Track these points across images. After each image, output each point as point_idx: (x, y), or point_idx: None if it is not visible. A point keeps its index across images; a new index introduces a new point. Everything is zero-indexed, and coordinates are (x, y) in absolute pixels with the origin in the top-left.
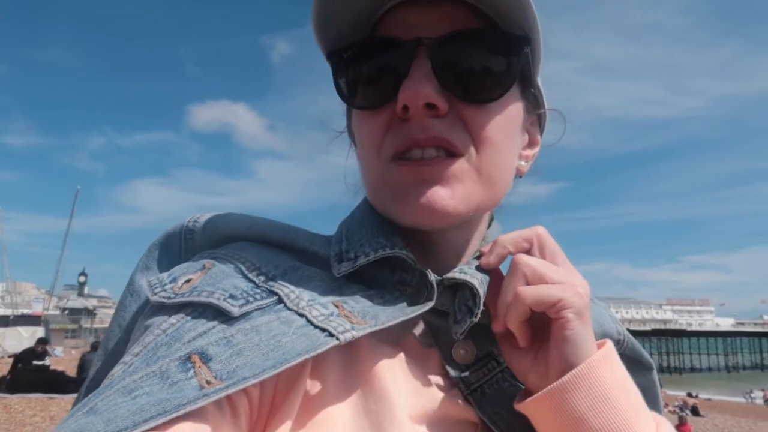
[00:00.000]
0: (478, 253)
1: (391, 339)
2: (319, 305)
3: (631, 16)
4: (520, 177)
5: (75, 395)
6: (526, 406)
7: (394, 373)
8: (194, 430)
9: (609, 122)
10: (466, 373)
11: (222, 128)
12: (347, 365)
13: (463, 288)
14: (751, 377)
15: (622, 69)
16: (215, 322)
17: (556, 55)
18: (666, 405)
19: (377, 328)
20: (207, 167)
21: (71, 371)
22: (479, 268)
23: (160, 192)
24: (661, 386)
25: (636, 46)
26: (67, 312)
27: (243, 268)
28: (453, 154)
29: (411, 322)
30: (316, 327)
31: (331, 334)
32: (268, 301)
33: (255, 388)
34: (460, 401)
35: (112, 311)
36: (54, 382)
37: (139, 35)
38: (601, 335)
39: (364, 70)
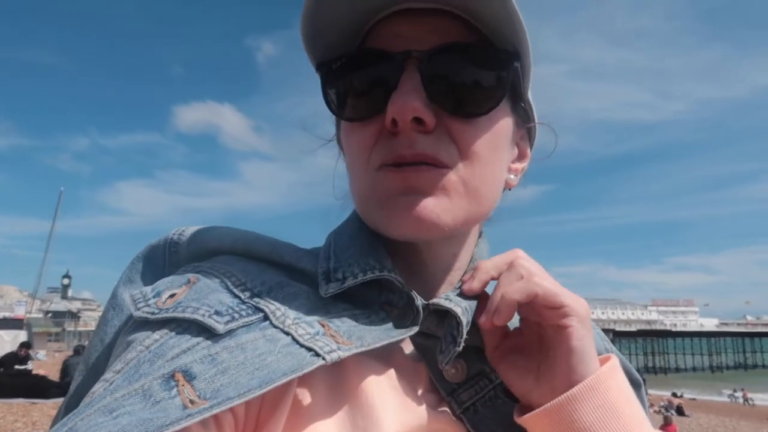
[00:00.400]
0: (460, 283)
1: (379, 354)
2: (305, 324)
3: (618, 21)
4: (509, 190)
5: (57, 400)
6: (529, 420)
7: (381, 389)
8: None
9: (596, 125)
10: (458, 392)
11: (208, 129)
12: (334, 381)
13: (449, 316)
14: (735, 377)
15: (609, 73)
16: (200, 339)
17: (544, 59)
18: (651, 405)
19: (363, 349)
20: (192, 168)
21: (54, 375)
22: (463, 295)
23: (145, 193)
24: (647, 392)
25: (623, 50)
26: (50, 315)
27: (229, 283)
28: (439, 167)
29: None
30: (302, 346)
31: (317, 354)
32: (253, 318)
33: (241, 405)
34: (448, 417)
35: (96, 314)
36: (36, 387)
37: (123, 36)
38: None
39: (354, 81)
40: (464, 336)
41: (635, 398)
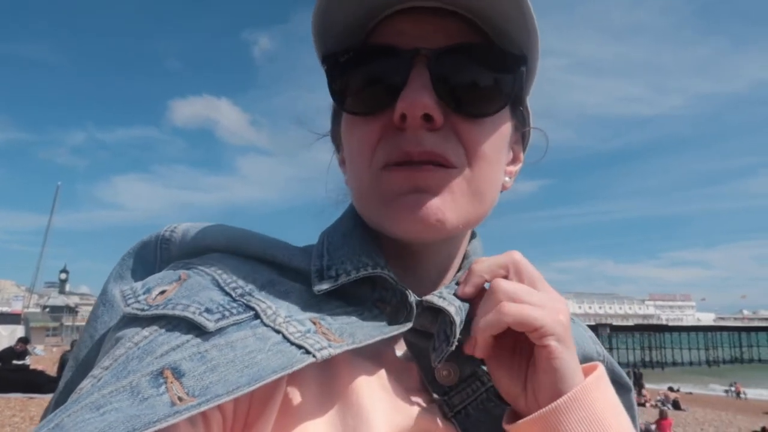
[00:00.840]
0: (456, 280)
1: (371, 354)
2: (296, 321)
3: (615, 16)
4: (502, 192)
5: None
6: (516, 429)
7: (372, 389)
8: None
9: (593, 120)
10: (450, 395)
11: (204, 124)
12: (325, 380)
13: (443, 315)
14: (731, 371)
15: (606, 67)
16: (189, 336)
17: (542, 53)
18: (648, 399)
19: (354, 346)
20: (190, 163)
21: (52, 370)
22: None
23: (142, 188)
24: (642, 386)
25: (620, 45)
26: (48, 310)
27: (220, 281)
28: (446, 166)
29: (392, 338)
30: (293, 344)
31: (307, 351)
32: (244, 316)
33: (229, 403)
34: (438, 419)
35: None
36: (34, 382)
37: (119, 30)
38: (582, 357)
39: (360, 75)
40: (457, 336)
41: (622, 409)
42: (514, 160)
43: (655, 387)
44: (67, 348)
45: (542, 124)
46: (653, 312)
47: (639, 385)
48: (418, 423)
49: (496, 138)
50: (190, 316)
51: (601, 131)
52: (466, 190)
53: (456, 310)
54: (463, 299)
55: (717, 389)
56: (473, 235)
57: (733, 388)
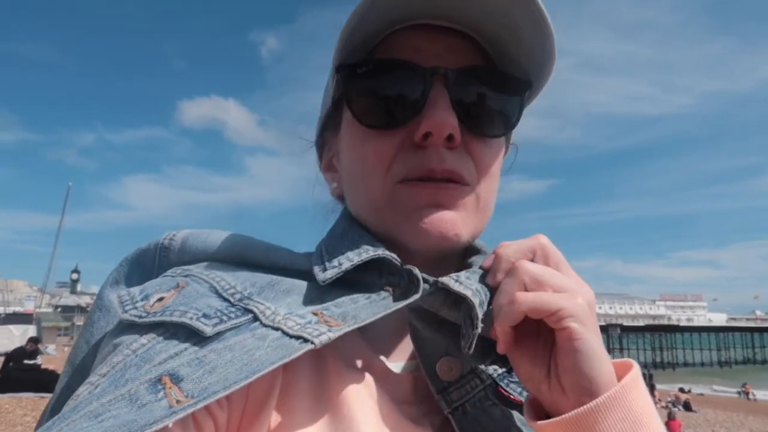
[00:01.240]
0: (478, 265)
1: (363, 366)
2: (296, 316)
3: (623, 13)
4: None
5: None
6: (547, 428)
7: (362, 401)
8: None
9: (600, 119)
10: (449, 390)
11: (212, 124)
12: (316, 392)
13: (465, 302)
14: (744, 372)
15: (613, 66)
16: (187, 344)
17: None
18: (659, 400)
19: (356, 326)
20: (198, 163)
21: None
22: (481, 280)
23: (151, 188)
24: (654, 387)
25: (627, 43)
26: (59, 309)
27: (218, 288)
28: (461, 183)
29: (385, 349)
30: (291, 337)
31: (305, 340)
32: (242, 319)
33: (222, 410)
34: (429, 431)
35: None
36: (45, 381)
37: (127, 30)
38: None
39: (378, 89)
40: (480, 317)
41: (656, 411)
42: None
43: (666, 388)
44: None
45: (549, 123)
46: (664, 312)
47: (650, 386)
48: None
49: (500, 156)
50: (188, 321)
51: (609, 130)
52: (476, 206)
53: (473, 293)
54: (483, 282)
55: (729, 391)
56: None
57: (742, 390)
